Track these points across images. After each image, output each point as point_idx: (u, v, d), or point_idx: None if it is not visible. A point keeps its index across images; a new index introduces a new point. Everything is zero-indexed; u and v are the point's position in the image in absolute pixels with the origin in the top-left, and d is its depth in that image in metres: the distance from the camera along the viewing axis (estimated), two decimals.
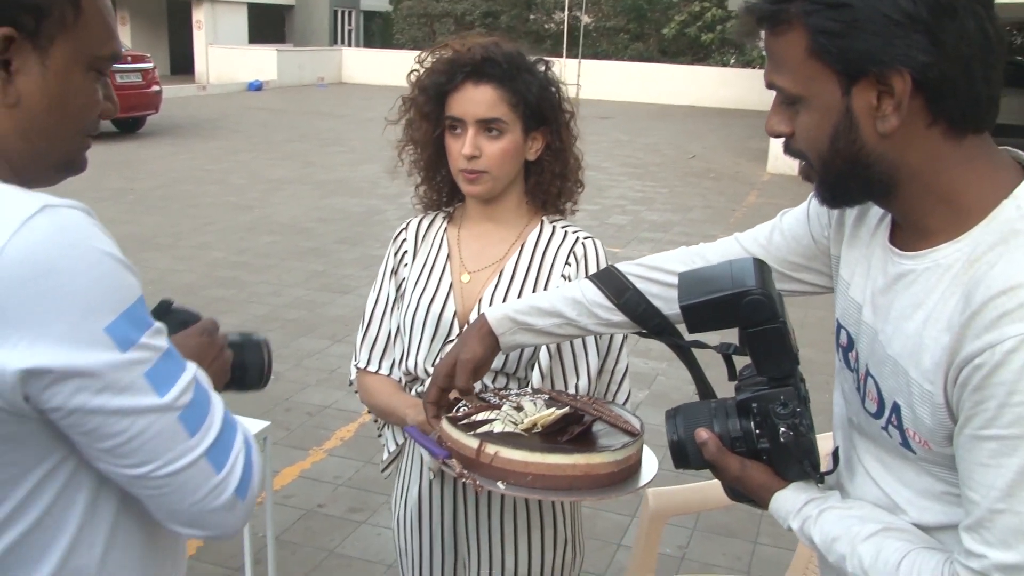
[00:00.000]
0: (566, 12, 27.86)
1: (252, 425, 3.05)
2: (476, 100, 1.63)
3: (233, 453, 1.00)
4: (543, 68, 1.72)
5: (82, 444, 0.94)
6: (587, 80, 25.31)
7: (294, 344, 5.44)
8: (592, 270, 1.69)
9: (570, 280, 1.70)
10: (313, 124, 16.69)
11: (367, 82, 26.24)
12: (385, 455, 1.91)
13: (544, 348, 1.67)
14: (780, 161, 13.08)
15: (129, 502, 1.01)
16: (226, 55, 25.30)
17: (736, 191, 11.49)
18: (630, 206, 10.13)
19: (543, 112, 1.68)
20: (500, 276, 1.73)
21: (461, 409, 1.50)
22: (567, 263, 1.72)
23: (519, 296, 1.69)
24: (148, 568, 1.07)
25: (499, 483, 1.35)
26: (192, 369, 0.98)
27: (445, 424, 1.45)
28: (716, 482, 2.47)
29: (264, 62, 24.40)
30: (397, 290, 1.82)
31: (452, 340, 1.70)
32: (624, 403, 1.74)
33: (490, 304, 1.69)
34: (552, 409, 1.47)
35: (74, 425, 0.91)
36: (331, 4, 31.00)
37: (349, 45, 32.22)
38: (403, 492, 1.87)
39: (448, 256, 1.78)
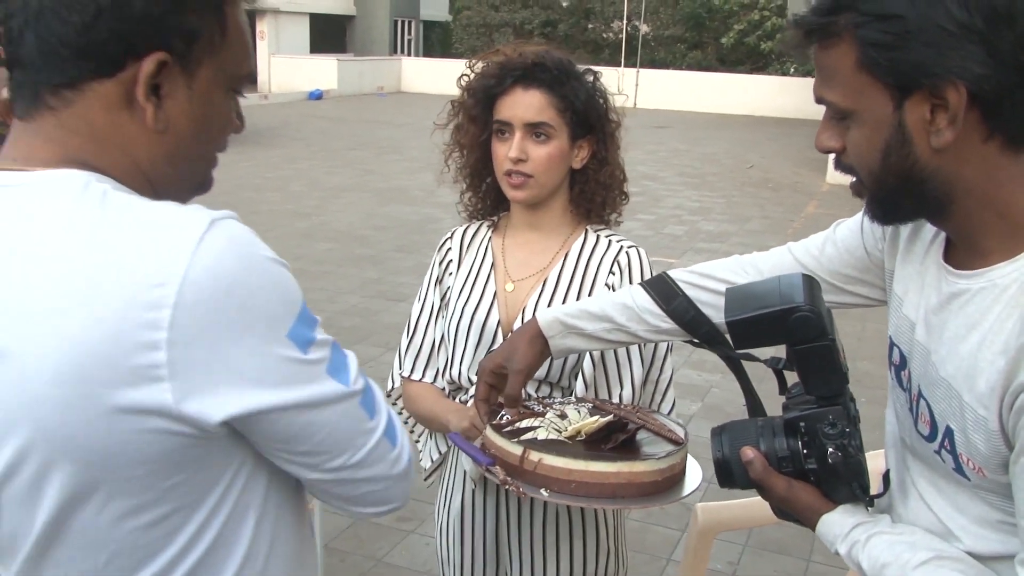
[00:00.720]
0: (624, 21, 27.83)
1: None
2: (525, 104, 1.64)
3: (399, 430, 1.03)
4: (591, 78, 1.72)
5: (276, 452, 0.95)
6: (644, 89, 25.25)
7: (350, 350, 5.49)
8: (636, 279, 1.69)
9: (612, 288, 1.69)
10: (372, 132, 16.89)
11: (426, 91, 26.45)
12: (428, 464, 1.91)
13: (588, 357, 1.66)
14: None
15: (285, 505, 1.03)
16: (288, 65, 25.77)
17: (795, 201, 11.31)
18: (687, 216, 10.05)
19: (590, 120, 1.69)
20: (544, 285, 1.73)
21: (505, 417, 1.50)
22: (611, 272, 1.72)
23: (563, 304, 1.68)
24: (298, 570, 1.07)
25: (543, 490, 1.34)
26: (352, 356, 1.00)
27: (489, 431, 1.46)
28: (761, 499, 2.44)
29: (325, 71, 24.78)
30: (442, 299, 1.83)
31: (494, 349, 1.69)
32: (669, 412, 1.73)
33: (534, 312, 1.68)
34: (596, 417, 1.47)
35: (270, 439, 0.93)
36: (391, 14, 31.35)
37: (409, 55, 32.54)
38: (446, 501, 1.87)
39: (492, 265, 1.78)
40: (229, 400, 0.86)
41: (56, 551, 0.91)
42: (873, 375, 5.39)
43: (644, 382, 1.72)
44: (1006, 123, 1.00)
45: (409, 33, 33.47)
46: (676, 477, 1.42)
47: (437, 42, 36.01)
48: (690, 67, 28.83)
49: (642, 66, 26.22)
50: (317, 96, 23.62)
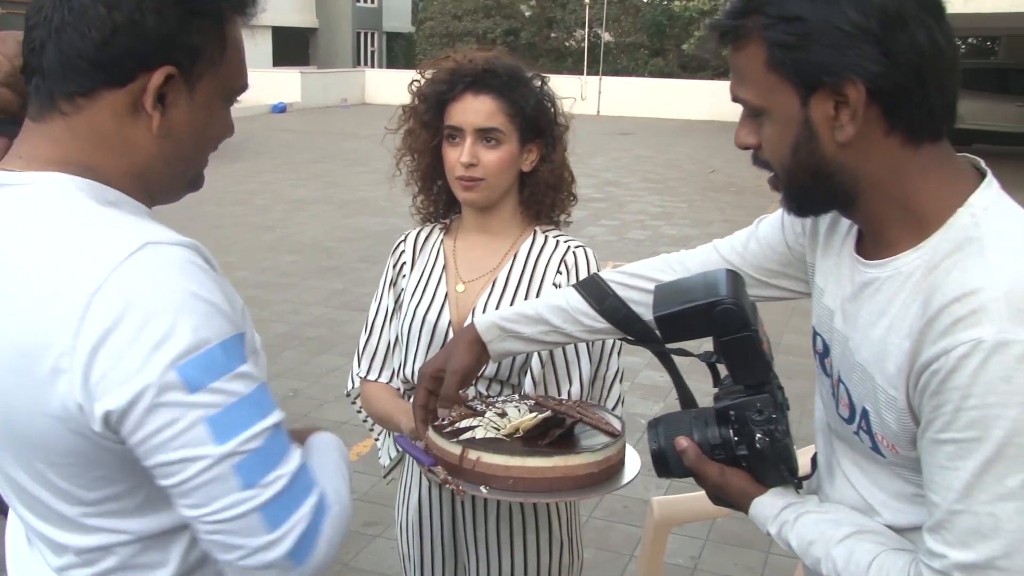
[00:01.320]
0: (587, 30, 28.03)
1: None
2: (475, 109, 1.68)
3: (296, 515, 0.98)
4: (539, 83, 1.76)
5: (153, 477, 0.98)
6: (608, 96, 25.45)
7: (314, 362, 5.52)
8: (583, 278, 1.73)
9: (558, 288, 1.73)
10: (336, 145, 16.88)
11: (390, 102, 26.16)
12: (386, 461, 1.96)
13: (536, 355, 1.71)
14: None
15: None
16: (251, 78, 25.51)
17: (756, 204, 11.47)
18: (649, 221, 10.17)
19: (539, 124, 1.73)
20: (493, 285, 1.77)
21: (448, 417, 1.54)
22: (558, 271, 1.76)
23: (511, 305, 1.72)
24: None
25: (482, 487, 1.39)
26: (273, 418, 0.98)
27: (431, 432, 1.49)
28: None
29: (288, 84, 24.70)
30: (396, 301, 1.87)
31: None
32: (614, 407, 1.78)
33: (483, 313, 1.72)
34: (534, 414, 1.51)
35: (143, 457, 0.95)
36: (354, 26, 31.37)
37: (372, 66, 32.55)
38: (405, 499, 1.92)
39: (444, 267, 1.82)
40: (104, 404, 0.92)
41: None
42: None
43: (593, 379, 1.77)
44: (905, 118, 1.07)
45: (372, 45, 33.51)
46: (614, 468, 1.46)
47: (400, 53, 36.06)
48: (652, 74, 29.11)
49: (605, 74, 26.42)
50: (281, 109, 23.54)
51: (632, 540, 3.60)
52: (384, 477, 2.00)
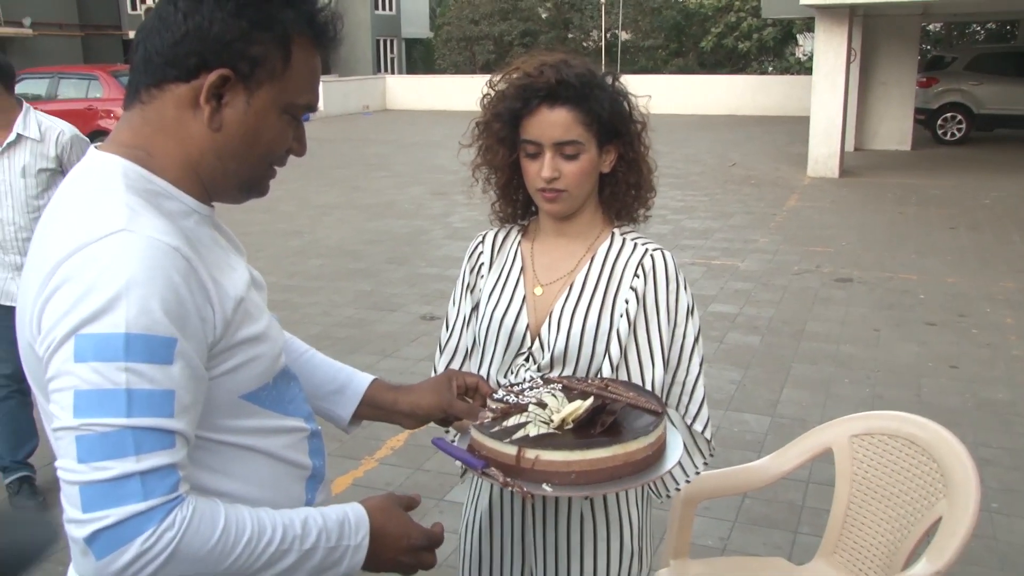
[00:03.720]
0: (603, 31, 28.05)
1: None
2: (552, 123, 1.65)
3: (109, 511, 0.98)
4: (611, 80, 1.73)
5: None
6: None
7: (347, 360, 5.56)
8: (660, 284, 1.72)
9: (636, 292, 1.71)
10: (359, 151, 17.06)
11: (411, 108, 26.66)
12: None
13: (607, 359, 1.71)
14: (820, 165, 13.08)
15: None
16: None
17: (776, 196, 11.51)
18: (671, 215, 10.22)
19: (616, 126, 1.71)
20: (571, 288, 1.75)
21: (487, 416, 1.52)
22: (635, 275, 1.73)
23: (588, 308, 1.72)
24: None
25: (545, 485, 1.36)
26: (144, 421, 1.00)
27: (476, 434, 1.46)
28: (747, 466, 2.59)
29: None
30: (474, 304, 1.86)
31: (523, 352, 1.75)
32: (697, 412, 1.76)
33: (560, 316, 1.72)
34: (578, 402, 1.48)
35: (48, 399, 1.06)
36: (373, 33, 31.61)
37: (392, 73, 32.77)
38: (474, 498, 1.89)
39: (522, 269, 1.81)
40: (41, 348, 1.06)
41: None
42: (857, 357, 5.57)
43: (671, 384, 1.74)
44: None
45: (391, 51, 33.73)
46: (663, 447, 1.47)
47: (419, 59, 36.28)
48: (672, 73, 29.08)
49: (623, 73, 26.41)
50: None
51: (658, 522, 3.69)
52: (461, 478, 1.97)
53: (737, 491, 2.72)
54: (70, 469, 1.00)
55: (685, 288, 1.75)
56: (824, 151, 13.06)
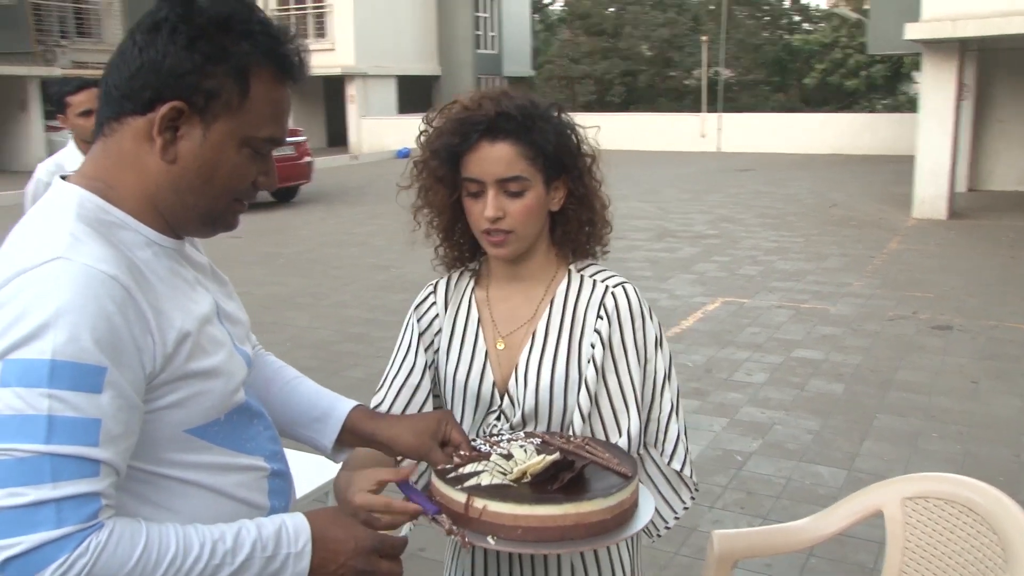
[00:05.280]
0: (704, 68, 27.82)
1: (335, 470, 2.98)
2: (494, 158, 1.55)
3: (16, 539, 0.96)
4: (556, 113, 1.63)
5: None
6: (728, 133, 25.12)
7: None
8: (626, 323, 1.61)
9: (601, 335, 1.60)
10: None
11: None
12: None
13: (577, 410, 1.60)
14: (926, 206, 12.54)
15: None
16: (377, 126, 26.66)
17: (877, 238, 11.06)
18: (762, 256, 9.94)
19: (563, 160, 1.61)
20: (533, 339, 1.64)
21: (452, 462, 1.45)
22: (599, 316, 1.63)
23: (555, 359, 1.61)
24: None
25: (489, 538, 1.30)
26: (62, 448, 0.99)
27: (434, 478, 1.41)
28: (788, 526, 2.42)
29: (412, 130, 24.97)
30: (429, 362, 1.71)
31: (494, 410, 1.65)
32: (674, 447, 1.65)
33: (526, 370, 1.61)
34: (542, 456, 1.40)
35: None
36: (475, 72, 32.12)
37: None
38: (455, 554, 1.75)
39: (479, 321, 1.69)
40: None
41: None
42: (950, 411, 5.24)
43: (646, 425, 1.64)
44: None
45: None
46: (627, 512, 1.37)
47: None
48: (774, 110, 28.60)
49: (725, 111, 26.13)
50: (405, 154, 24.26)
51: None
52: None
53: (776, 551, 2.54)
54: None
55: (651, 319, 1.64)
56: (931, 191, 12.52)
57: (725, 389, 5.66)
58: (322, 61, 27.76)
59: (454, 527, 1.32)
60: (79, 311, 1.02)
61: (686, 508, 1.70)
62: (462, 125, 1.57)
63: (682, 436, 1.66)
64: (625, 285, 1.65)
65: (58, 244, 1.07)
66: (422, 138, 1.66)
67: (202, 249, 1.36)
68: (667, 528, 1.70)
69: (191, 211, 1.20)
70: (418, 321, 1.74)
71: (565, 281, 1.68)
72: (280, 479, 1.31)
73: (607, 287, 1.65)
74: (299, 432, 1.50)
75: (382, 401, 1.71)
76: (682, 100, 31.82)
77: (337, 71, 26.67)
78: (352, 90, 27.44)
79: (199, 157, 1.16)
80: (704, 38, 27.39)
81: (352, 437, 1.51)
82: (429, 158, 1.64)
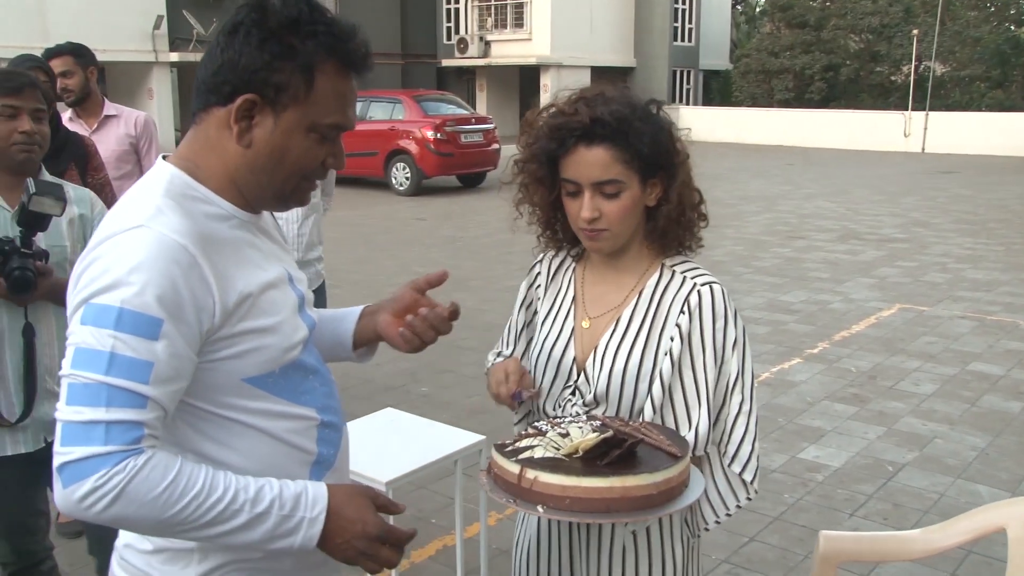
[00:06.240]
0: (913, 63, 26.20)
1: (467, 439, 3.12)
2: (590, 163, 1.62)
3: (76, 448, 1.17)
4: (655, 109, 1.69)
5: None
6: (934, 133, 23.64)
7: None
8: (707, 320, 1.67)
9: (681, 330, 1.67)
10: None
11: (703, 139, 26.37)
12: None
13: (649, 400, 1.68)
14: None
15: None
16: None
17: None
18: (952, 264, 9.37)
19: (658, 160, 1.66)
20: (617, 324, 1.73)
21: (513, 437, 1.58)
22: (681, 311, 1.69)
23: (632, 345, 1.70)
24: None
25: (539, 507, 1.40)
26: (119, 381, 1.18)
27: (493, 452, 1.53)
28: (899, 534, 2.40)
29: None
30: (528, 321, 1.89)
31: (570, 385, 1.75)
32: (737, 448, 1.70)
33: (604, 351, 1.71)
34: (595, 434, 1.49)
35: None
36: (670, 64, 31.75)
37: (688, 103, 32.73)
38: (524, 524, 1.90)
39: (573, 299, 1.80)
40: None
41: None
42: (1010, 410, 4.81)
43: (714, 423, 1.69)
44: None
45: (688, 83, 33.68)
46: (674, 491, 1.44)
47: (717, 91, 35.88)
48: (989, 107, 26.53)
49: (934, 109, 24.56)
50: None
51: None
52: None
53: (882, 558, 2.49)
54: (61, 408, 1.19)
55: (735, 322, 1.68)
56: None
57: (887, 398, 5.45)
58: (518, 51, 28.35)
59: (506, 496, 1.45)
60: (148, 271, 1.21)
61: (739, 507, 1.73)
62: (559, 130, 1.65)
63: (748, 440, 1.69)
64: (712, 284, 1.70)
65: (144, 214, 1.26)
66: (522, 139, 1.75)
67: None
68: (717, 522, 1.74)
69: (265, 189, 1.37)
70: (528, 288, 1.90)
71: (657, 274, 1.75)
72: (330, 429, 1.47)
73: (695, 284, 1.70)
74: (337, 353, 1.67)
75: (505, 348, 1.91)
76: (887, 97, 30.12)
77: (532, 60, 27.11)
78: (546, 80, 27.83)
79: (270, 142, 1.33)
80: (915, 32, 25.81)
81: (364, 332, 1.66)
82: (528, 160, 1.73)
